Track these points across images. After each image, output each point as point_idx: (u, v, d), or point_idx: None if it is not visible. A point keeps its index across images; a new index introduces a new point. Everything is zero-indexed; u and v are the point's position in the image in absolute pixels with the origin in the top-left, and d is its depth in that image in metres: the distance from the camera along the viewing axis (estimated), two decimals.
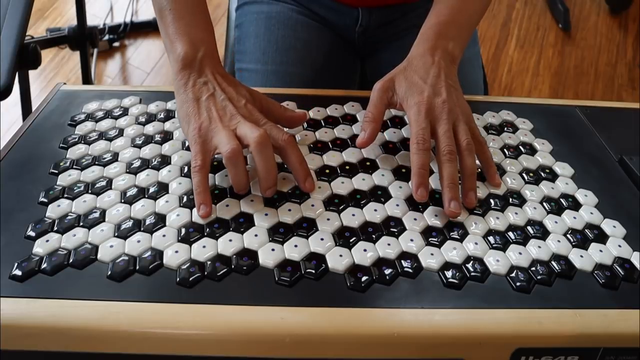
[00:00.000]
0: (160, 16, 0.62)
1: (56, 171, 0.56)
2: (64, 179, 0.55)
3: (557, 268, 0.48)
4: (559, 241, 0.51)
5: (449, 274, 0.46)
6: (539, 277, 0.47)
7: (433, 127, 0.55)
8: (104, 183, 0.54)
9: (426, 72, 0.58)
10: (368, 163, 0.58)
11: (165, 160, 0.57)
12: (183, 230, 0.49)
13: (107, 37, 2.01)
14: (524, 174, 0.59)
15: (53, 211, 0.51)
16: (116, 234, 0.49)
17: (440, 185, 0.53)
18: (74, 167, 0.56)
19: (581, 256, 0.49)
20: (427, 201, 0.54)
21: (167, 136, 0.61)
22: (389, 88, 0.59)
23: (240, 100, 0.56)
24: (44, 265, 0.45)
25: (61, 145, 0.60)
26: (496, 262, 0.48)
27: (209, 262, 0.46)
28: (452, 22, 0.63)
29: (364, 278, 0.45)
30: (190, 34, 0.59)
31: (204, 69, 0.57)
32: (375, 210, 0.52)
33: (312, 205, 0.52)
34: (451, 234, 0.50)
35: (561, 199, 0.56)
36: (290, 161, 0.53)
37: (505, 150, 0.62)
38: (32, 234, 0.48)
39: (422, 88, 0.57)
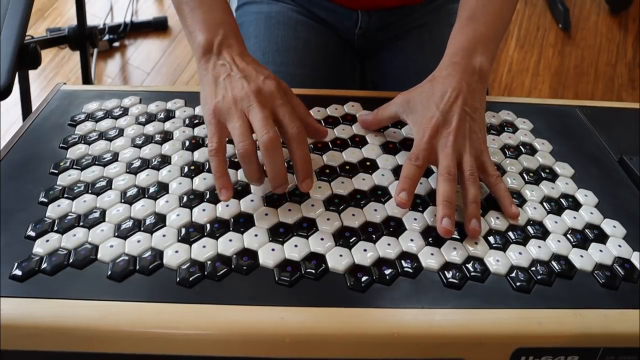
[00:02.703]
0: (179, 11, 0.62)
1: (56, 171, 0.56)
2: (64, 179, 0.55)
3: (557, 268, 0.48)
4: (559, 241, 0.51)
5: (449, 274, 0.46)
6: (539, 277, 0.47)
7: (435, 151, 0.54)
8: (104, 183, 0.54)
9: (442, 97, 0.56)
10: (368, 163, 0.58)
11: (165, 160, 0.57)
12: (183, 230, 0.49)
13: (107, 37, 2.01)
14: (524, 174, 0.59)
15: (53, 211, 0.51)
16: (116, 234, 0.49)
17: (437, 202, 0.51)
18: (74, 167, 0.56)
19: (581, 256, 0.49)
20: (427, 201, 0.54)
21: (167, 136, 0.61)
22: (402, 105, 0.59)
23: (259, 77, 0.54)
24: (44, 265, 0.45)
25: (61, 145, 0.60)
26: (496, 262, 0.48)
27: (209, 262, 0.46)
28: (479, 36, 0.61)
29: (364, 278, 0.45)
30: (207, 20, 0.59)
31: (222, 51, 0.57)
32: (375, 210, 0.52)
33: (312, 205, 0.52)
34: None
35: (561, 199, 0.56)
36: (294, 157, 0.52)
37: (505, 150, 0.62)
38: (32, 234, 0.48)
39: (433, 114, 0.55)
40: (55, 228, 0.49)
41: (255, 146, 0.50)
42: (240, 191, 0.54)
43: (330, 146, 0.61)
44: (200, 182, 0.54)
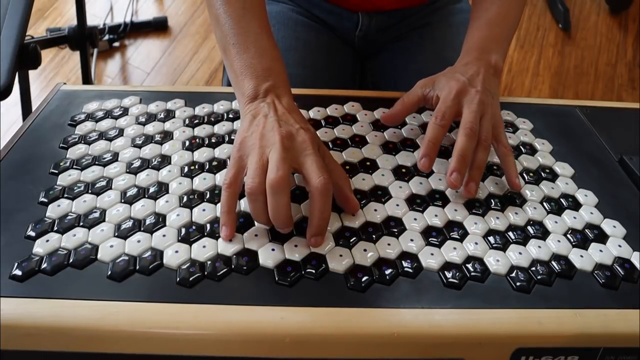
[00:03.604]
0: (225, 53, 0.59)
1: (56, 171, 0.56)
2: (64, 179, 0.55)
3: (557, 268, 0.48)
4: (559, 241, 0.51)
5: (449, 274, 0.46)
6: (539, 277, 0.47)
7: (460, 108, 0.56)
8: (104, 183, 0.54)
9: (465, 72, 0.59)
10: (368, 163, 0.58)
11: (165, 160, 0.57)
12: (183, 230, 0.49)
13: (107, 37, 2.01)
14: (524, 174, 0.59)
15: (53, 211, 0.51)
16: (116, 234, 0.49)
17: (452, 155, 0.53)
18: (74, 167, 0.56)
19: (581, 256, 0.49)
20: (427, 201, 0.54)
21: (167, 136, 0.61)
22: (426, 85, 0.61)
23: (294, 125, 0.51)
24: (44, 265, 0.45)
25: (61, 145, 0.60)
26: (496, 262, 0.48)
27: (209, 262, 0.46)
28: (491, 37, 0.64)
29: (364, 278, 0.45)
30: (256, 66, 0.56)
31: (267, 95, 0.54)
32: (375, 210, 0.52)
33: None
34: (451, 234, 0.50)
35: (561, 199, 0.56)
36: (313, 208, 0.47)
37: None
38: (32, 234, 0.48)
39: (460, 78, 0.58)
40: (55, 228, 0.49)
41: (265, 186, 0.47)
42: (240, 192, 0.54)
43: (331, 146, 0.61)
44: (200, 182, 0.55)
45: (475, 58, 0.61)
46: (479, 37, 0.64)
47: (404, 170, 0.58)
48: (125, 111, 0.65)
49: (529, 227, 0.52)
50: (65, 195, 0.53)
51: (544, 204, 0.55)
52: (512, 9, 0.67)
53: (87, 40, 1.58)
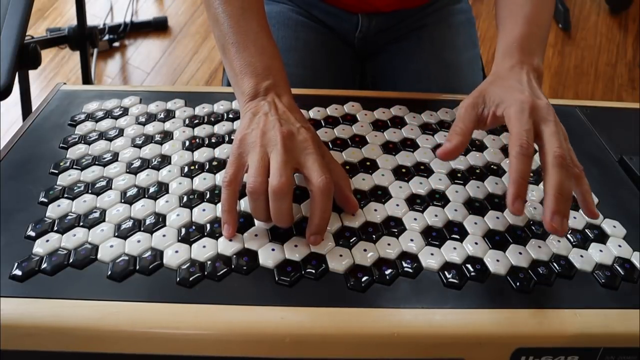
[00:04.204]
0: (223, 52, 0.58)
1: (56, 171, 0.56)
2: (64, 179, 0.55)
3: (557, 268, 0.48)
4: (559, 241, 0.51)
5: (449, 274, 0.46)
6: (539, 277, 0.47)
7: (537, 129, 0.48)
8: (104, 183, 0.54)
9: (519, 81, 0.53)
10: (368, 163, 0.58)
11: (165, 160, 0.57)
12: (183, 230, 0.49)
13: (107, 37, 2.01)
14: None
15: (53, 211, 0.51)
16: (116, 234, 0.49)
17: (544, 192, 0.46)
18: (74, 167, 0.56)
19: (581, 256, 0.49)
20: (427, 201, 0.54)
21: (167, 136, 0.61)
22: (477, 104, 0.53)
23: (295, 124, 0.51)
24: (44, 265, 0.45)
25: (61, 145, 0.60)
26: (496, 262, 0.48)
27: (209, 262, 0.46)
28: (531, 35, 0.59)
29: (364, 278, 0.45)
30: (255, 65, 0.56)
31: (267, 95, 0.54)
32: (375, 210, 0.52)
33: None
34: (451, 234, 0.50)
35: None
36: (314, 208, 0.48)
37: (505, 150, 0.62)
38: (32, 234, 0.48)
39: (522, 89, 0.52)
40: (55, 228, 0.49)
41: (267, 186, 0.47)
42: (241, 192, 0.54)
43: (331, 146, 0.61)
44: (200, 182, 0.55)
45: (520, 61, 0.56)
46: (519, 35, 0.58)
47: (404, 170, 0.58)
48: (125, 111, 0.65)
49: (528, 227, 0.52)
50: (65, 195, 0.53)
51: None
52: (546, 7, 0.63)
53: (87, 40, 1.58)
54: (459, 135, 0.50)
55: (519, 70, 0.55)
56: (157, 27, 2.09)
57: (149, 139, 0.61)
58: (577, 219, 0.53)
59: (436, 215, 0.52)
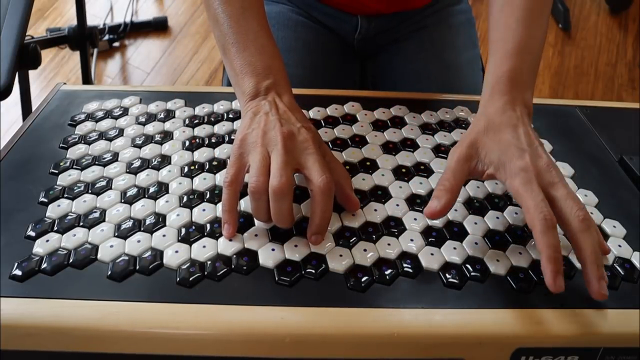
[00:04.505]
0: (224, 52, 0.58)
1: (56, 171, 0.56)
2: (64, 179, 0.55)
3: None
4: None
5: (449, 274, 0.46)
6: (539, 277, 0.47)
7: (547, 195, 0.46)
8: (104, 183, 0.54)
9: (515, 132, 0.50)
10: (368, 163, 0.58)
11: (165, 160, 0.57)
12: (183, 230, 0.49)
13: (107, 37, 2.01)
14: None
15: (53, 211, 0.51)
16: (116, 234, 0.49)
17: (581, 261, 0.45)
18: (74, 167, 0.56)
19: None
20: (427, 201, 0.54)
21: (167, 136, 0.61)
22: (470, 156, 0.50)
23: (295, 124, 0.51)
24: (44, 265, 0.45)
25: (61, 145, 0.60)
26: (496, 262, 0.48)
27: (209, 262, 0.46)
28: (523, 66, 0.55)
29: (364, 278, 0.45)
30: (256, 64, 0.56)
31: (268, 93, 0.54)
32: (375, 210, 0.52)
33: None
34: (451, 234, 0.50)
35: None
36: (314, 208, 0.48)
37: None
38: (32, 234, 0.48)
39: (521, 150, 0.49)
40: (55, 228, 0.49)
41: (268, 189, 0.47)
42: (241, 192, 0.54)
43: (331, 146, 0.61)
44: (200, 182, 0.55)
45: (511, 99, 0.53)
46: (510, 68, 0.55)
47: (404, 170, 0.58)
48: (125, 111, 0.65)
49: (528, 228, 0.52)
50: (65, 195, 0.53)
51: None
52: (540, 27, 0.58)
53: (87, 40, 1.58)
54: (448, 193, 0.48)
55: (511, 114, 0.52)
56: (157, 27, 2.09)
57: (149, 139, 0.61)
58: None
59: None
